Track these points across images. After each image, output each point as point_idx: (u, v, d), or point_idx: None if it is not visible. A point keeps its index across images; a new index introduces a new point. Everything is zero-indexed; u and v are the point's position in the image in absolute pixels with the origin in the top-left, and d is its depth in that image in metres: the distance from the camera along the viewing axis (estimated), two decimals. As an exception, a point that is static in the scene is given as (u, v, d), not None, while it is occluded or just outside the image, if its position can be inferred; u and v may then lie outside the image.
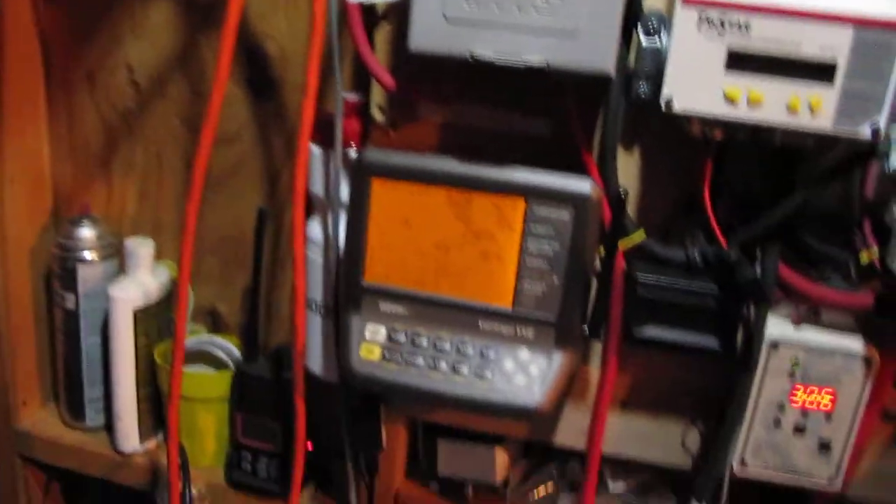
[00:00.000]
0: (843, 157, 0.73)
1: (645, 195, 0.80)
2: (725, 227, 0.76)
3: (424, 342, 0.79)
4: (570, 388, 0.86)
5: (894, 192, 0.71)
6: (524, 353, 0.78)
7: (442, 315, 0.78)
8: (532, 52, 0.70)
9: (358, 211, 0.78)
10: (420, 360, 0.78)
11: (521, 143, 0.81)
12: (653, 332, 0.77)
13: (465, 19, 0.70)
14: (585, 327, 0.77)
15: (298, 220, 0.85)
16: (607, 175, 0.76)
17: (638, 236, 0.77)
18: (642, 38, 0.72)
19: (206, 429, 1.00)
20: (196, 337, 1.04)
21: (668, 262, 0.78)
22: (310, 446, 0.97)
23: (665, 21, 0.73)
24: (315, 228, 0.89)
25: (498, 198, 0.75)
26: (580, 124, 0.78)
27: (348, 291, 0.80)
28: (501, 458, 0.92)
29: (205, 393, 0.99)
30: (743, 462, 0.80)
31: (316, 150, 0.88)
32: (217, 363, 1.03)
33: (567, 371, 0.78)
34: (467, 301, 0.77)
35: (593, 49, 0.69)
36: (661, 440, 0.86)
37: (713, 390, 0.83)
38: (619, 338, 0.80)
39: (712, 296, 0.76)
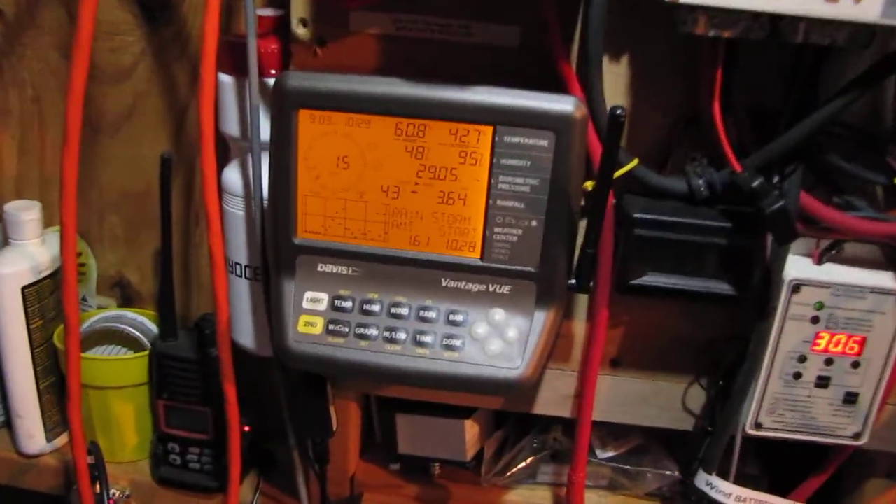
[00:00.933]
0: (877, 59, 0.57)
1: (636, 115, 0.62)
2: (736, 149, 0.61)
3: (377, 308, 0.61)
4: (553, 348, 0.70)
5: None
6: (499, 314, 0.60)
7: (396, 274, 0.60)
8: None
9: (282, 152, 0.59)
10: (373, 332, 0.60)
11: (482, 57, 0.62)
12: (652, 278, 0.61)
13: None
14: (572, 279, 0.62)
15: (208, 168, 0.66)
16: (592, 90, 0.58)
17: (631, 165, 0.61)
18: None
19: (124, 420, 0.81)
20: (102, 313, 0.84)
21: (668, 195, 0.61)
22: (248, 428, 0.80)
23: None
24: (233, 176, 0.70)
25: (459, 126, 0.57)
26: (554, 26, 0.60)
27: (278, 252, 0.62)
28: (472, 431, 0.75)
29: (118, 379, 0.79)
30: (757, 423, 0.66)
31: (226, 80, 0.68)
32: (132, 343, 0.83)
33: (551, 332, 0.61)
34: (427, 255, 0.60)
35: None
36: (659, 402, 0.71)
37: (719, 343, 0.67)
38: (609, 287, 0.65)
39: (723, 231, 0.59)
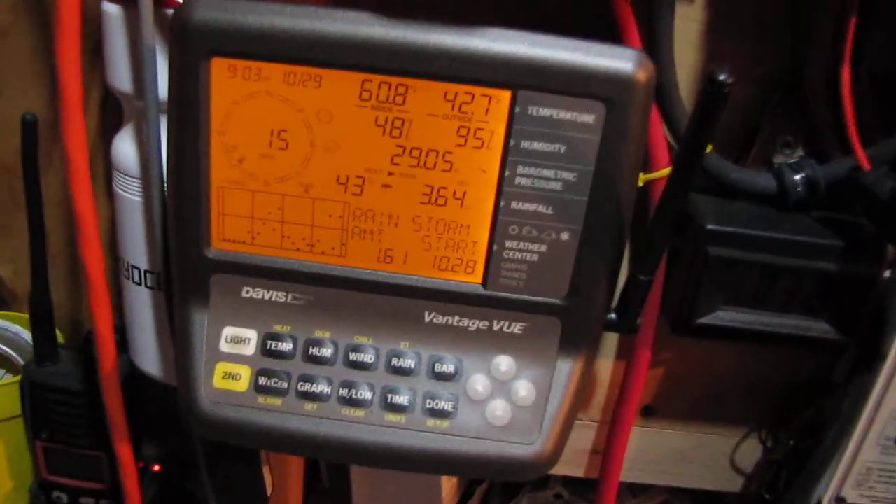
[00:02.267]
0: None
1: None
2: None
3: (329, 353, 0.38)
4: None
5: None
6: (506, 364, 0.38)
7: (358, 304, 0.38)
8: None
9: (185, 122, 0.35)
10: (323, 389, 0.38)
11: None
12: (727, 315, 0.39)
13: None
14: (611, 313, 0.41)
15: (72, 144, 0.42)
16: (660, 41, 0.37)
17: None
18: None
19: (-8, 462, 0.59)
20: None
21: (750, 195, 0.40)
22: (157, 468, 0.59)
23: None
24: (125, 148, 0.45)
25: (458, 88, 0.34)
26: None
27: (183, 269, 0.38)
28: (448, 484, 0.55)
29: (-22, 413, 0.56)
30: (839, 497, 0.46)
31: (112, 10, 0.43)
32: (2, 362, 0.58)
33: (579, 388, 0.39)
34: (403, 277, 0.38)
35: None
36: (700, 458, 0.50)
37: (787, 390, 0.48)
38: (655, 324, 0.44)
39: (830, 251, 0.39)
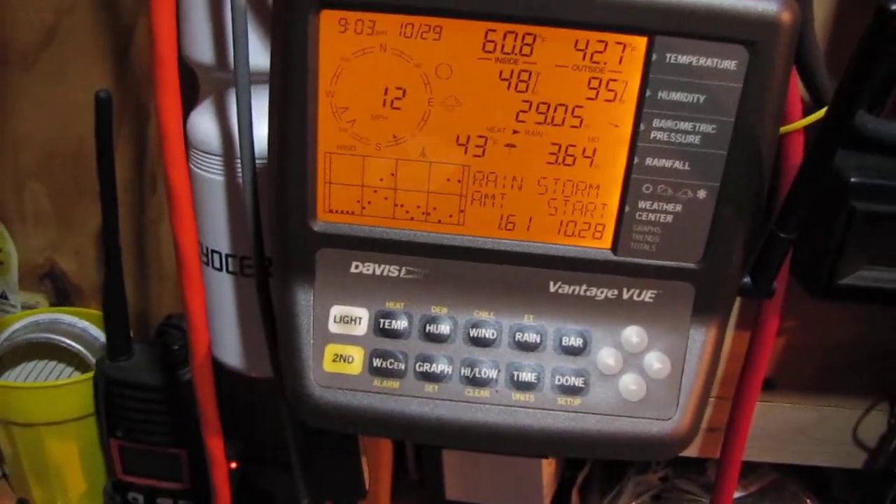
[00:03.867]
0: None
1: (844, 15, 0.38)
2: None
3: (448, 331, 0.36)
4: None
5: None
6: (638, 335, 0.35)
7: (479, 277, 0.35)
8: None
9: (291, 82, 0.32)
10: (444, 369, 0.35)
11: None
12: (873, 274, 0.36)
13: None
14: (745, 277, 0.39)
15: (168, 113, 0.39)
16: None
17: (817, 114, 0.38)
18: None
19: (65, 464, 0.54)
20: (28, 317, 0.56)
21: (891, 148, 0.36)
22: (234, 465, 0.56)
23: None
24: (204, 125, 0.43)
25: (589, 36, 0.31)
26: None
27: (286, 245, 0.35)
28: (549, 470, 0.52)
29: (53, 412, 0.52)
30: None
31: (194, -22, 0.43)
32: (71, 358, 0.56)
33: (715, 357, 0.36)
34: (527, 245, 0.35)
35: None
36: (821, 434, 0.47)
37: None
38: (786, 287, 0.42)
39: None
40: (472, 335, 0.36)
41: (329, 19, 0.33)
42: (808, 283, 0.39)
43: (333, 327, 0.37)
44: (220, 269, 0.47)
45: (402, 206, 0.36)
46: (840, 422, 0.47)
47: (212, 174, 0.45)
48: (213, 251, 0.47)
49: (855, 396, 0.47)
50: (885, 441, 0.47)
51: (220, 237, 0.46)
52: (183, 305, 0.44)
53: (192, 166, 0.46)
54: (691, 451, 0.49)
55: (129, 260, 0.55)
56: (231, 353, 0.49)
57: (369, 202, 0.36)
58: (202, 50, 0.43)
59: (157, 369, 0.52)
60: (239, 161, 0.42)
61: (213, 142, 0.44)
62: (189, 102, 0.46)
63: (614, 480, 0.53)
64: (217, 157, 0.44)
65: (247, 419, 0.55)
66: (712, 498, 0.47)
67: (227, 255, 0.47)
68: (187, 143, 0.45)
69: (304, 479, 0.47)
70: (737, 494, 0.53)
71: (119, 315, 0.51)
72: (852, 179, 0.35)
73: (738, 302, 0.44)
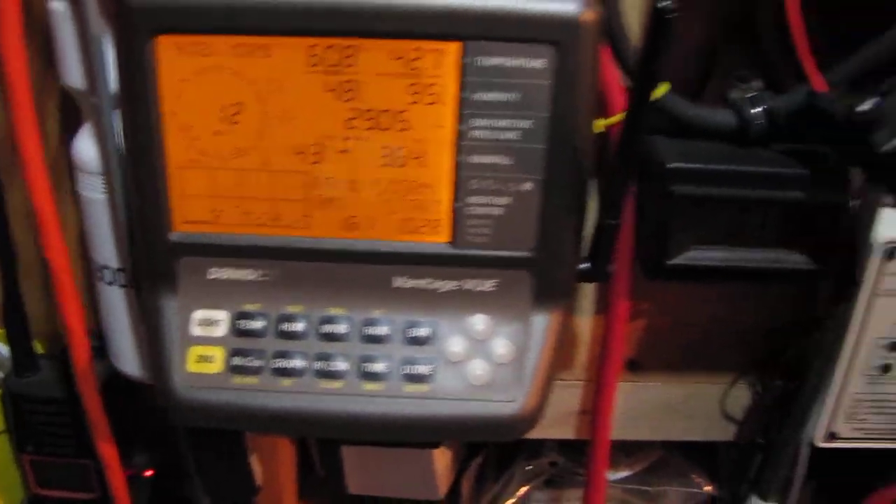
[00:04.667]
0: None
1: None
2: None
3: (302, 328, 0.38)
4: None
5: None
6: (482, 322, 0.38)
7: (327, 275, 0.38)
8: None
9: (136, 105, 0.35)
10: (299, 363, 0.37)
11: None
12: (699, 253, 0.39)
13: None
14: (583, 263, 0.41)
15: (27, 137, 0.41)
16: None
17: (661, 90, 0.40)
18: None
19: (-21, 481, 0.58)
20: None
21: (710, 132, 0.39)
22: (150, 472, 0.58)
23: None
24: (85, 148, 0.44)
25: (406, 45, 0.34)
26: None
27: (147, 256, 0.38)
28: (443, 461, 0.53)
29: (-36, 431, 0.56)
30: (831, 433, 0.46)
31: (59, 6, 0.43)
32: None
33: (557, 341, 0.39)
34: (370, 243, 0.37)
35: None
36: (690, 409, 0.49)
37: (775, 332, 0.48)
38: (630, 271, 0.44)
39: (796, 181, 0.37)
40: (324, 331, 0.38)
41: (165, 44, 0.35)
42: (642, 265, 0.41)
43: (196, 330, 0.39)
44: (112, 284, 0.49)
45: (250, 213, 0.38)
46: (707, 397, 0.50)
47: (95, 194, 0.46)
48: (104, 267, 0.49)
49: (719, 372, 0.49)
50: (751, 413, 0.50)
51: (108, 253, 0.48)
52: (61, 321, 0.46)
53: (79, 189, 0.48)
54: (568, 434, 0.51)
55: (37, 281, 0.57)
56: (129, 363, 0.51)
57: (221, 211, 0.38)
58: (74, 76, 0.44)
59: (62, 383, 0.53)
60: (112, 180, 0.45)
61: (93, 163, 0.46)
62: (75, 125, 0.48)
63: (505, 469, 0.55)
64: (98, 177, 0.46)
65: (161, 428, 0.57)
66: (586, 477, 0.49)
67: (116, 270, 0.48)
68: (74, 166, 0.48)
69: (202, 481, 0.49)
70: (624, 473, 0.55)
71: (20, 332, 0.52)
72: (669, 165, 0.38)
73: (597, 286, 0.47)
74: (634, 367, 0.48)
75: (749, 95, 0.38)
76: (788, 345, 0.45)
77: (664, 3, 0.30)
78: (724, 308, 0.47)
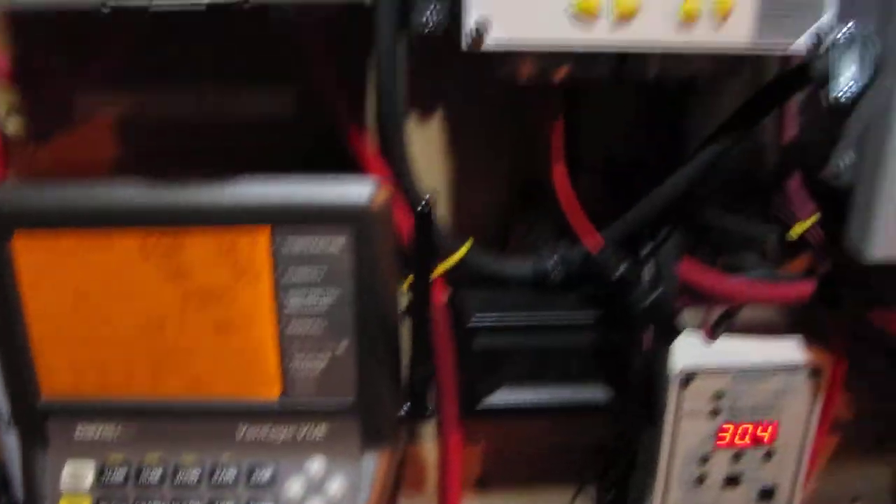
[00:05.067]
0: (754, 91, 0.40)
1: (463, 185, 0.46)
2: (592, 216, 0.45)
3: (157, 476, 0.42)
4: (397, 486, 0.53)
5: (840, 132, 0.41)
6: (317, 465, 0.42)
7: (179, 429, 0.42)
8: None
9: (2, 294, 0.41)
10: (155, 508, 0.45)
11: (253, 132, 0.44)
12: (506, 395, 0.43)
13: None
14: (405, 407, 0.45)
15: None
16: (395, 165, 0.41)
17: (462, 251, 0.45)
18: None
19: None
20: None
21: (513, 282, 0.44)
22: None
23: None
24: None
25: (223, 233, 0.40)
26: (336, 89, 0.41)
27: (22, 419, 0.43)
28: None
29: None
30: None
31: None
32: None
33: (387, 477, 0.43)
34: (212, 400, 0.42)
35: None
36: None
37: (604, 448, 0.51)
38: (455, 407, 0.48)
39: (585, 326, 0.43)
40: (178, 479, 0.43)
41: (21, 240, 0.40)
42: (459, 405, 0.45)
43: (65, 483, 0.44)
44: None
45: (108, 379, 0.43)
46: (555, 505, 0.54)
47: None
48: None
49: (558, 488, 0.53)
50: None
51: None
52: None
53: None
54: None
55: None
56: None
57: (82, 379, 0.43)
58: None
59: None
60: None
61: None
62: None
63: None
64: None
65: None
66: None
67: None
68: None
69: None
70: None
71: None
72: (469, 325, 0.42)
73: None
74: (483, 485, 0.53)
75: (545, 247, 0.44)
76: (617, 462, 0.50)
77: (423, 203, 0.35)
78: (560, 429, 0.51)
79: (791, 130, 0.43)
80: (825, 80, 0.38)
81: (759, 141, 0.45)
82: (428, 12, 0.37)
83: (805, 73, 0.38)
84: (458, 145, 0.44)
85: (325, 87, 0.41)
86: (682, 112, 0.43)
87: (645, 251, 0.42)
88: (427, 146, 0.44)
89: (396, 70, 0.39)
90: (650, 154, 0.43)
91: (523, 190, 0.45)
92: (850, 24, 0.38)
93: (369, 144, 0.42)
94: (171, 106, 0.43)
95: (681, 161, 0.41)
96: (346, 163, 0.42)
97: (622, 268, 0.39)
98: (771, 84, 0.40)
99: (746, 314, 0.47)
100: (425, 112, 0.43)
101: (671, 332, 0.41)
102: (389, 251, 0.41)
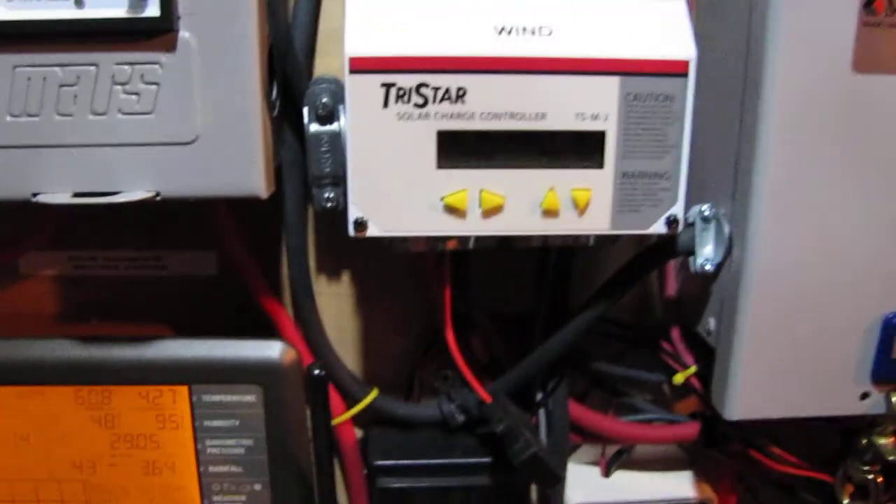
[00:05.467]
0: (633, 256, 0.45)
1: (371, 337, 0.50)
2: (487, 362, 0.49)
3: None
4: None
5: (704, 295, 0.45)
6: None
7: (110, 560, 0.48)
8: (132, 181, 0.39)
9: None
10: None
11: (180, 291, 0.49)
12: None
13: (19, 134, 0.37)
14: None
15: None
16: (308, 324, 0.46)
17: (369, 398, 0.49)
18: (312, 122, 0.41)
19: None
20: None
21: (420, 425, 0.48)
22: None
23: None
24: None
25: (149, 388, 0.44)
26: (246, 258, 0.46)
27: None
28: None
29: None
30: None
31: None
32: None
33: None
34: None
35: (227, 161, 0.38)
36: None
37: None
38: None
39: (484, 468, 0.47)
40: None
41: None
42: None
43: None
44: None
45: (45, 511, 0.47)
46: None
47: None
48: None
49: None
50: None
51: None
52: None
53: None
54: None
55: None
56: None
57: (22, 509, 0.47)
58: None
59: None
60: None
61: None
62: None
63: None
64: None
65: None
66: None
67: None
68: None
69: None
70: None
71: None
72: (375, 463, 0.46)
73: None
74: None
75: (448, 392, 0.47)
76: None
77: (316, 370, 0.39)
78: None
79: (671, 287, 0.47)
80: (690, 251, 0.43)
81: (648, 292, 0.50)
82: (326, 196, 0.42)
83: (673, 245, 0.43)
84: (366, 301, 0.49)
85: (236, 256, 0.46)
86: (567, 272, 0.47)
87: (538, 398, 0.47)
88: (337, 301, 0.49)
89: (302, 242, 0.44)
90: (540, 309, 0.47)
91: (428, 340, 0.49)
92: (707, 204, 0.43)
93: (282, 307, 0.47)
94: (107, 263, 0.48)
95: (568, 317, 0.46)
96: (262, 321, 0.47)
97: (502, 426, 0.43)
98: (643, 253, 0.44)
99: (643, 449, 0.51)
100: (334, 272, 0.48)
101: (551, 480, 0.44)
102: (298, 403, 0.45)
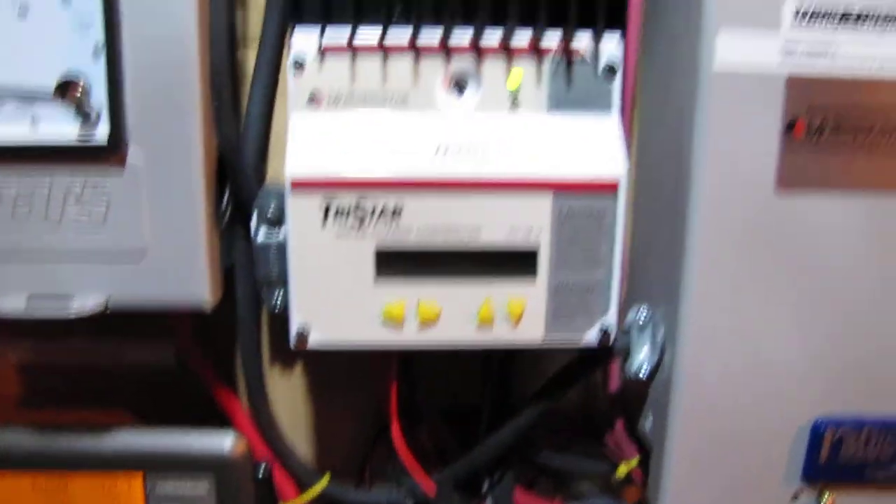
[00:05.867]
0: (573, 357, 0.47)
1: (323, 423, 0.52)
2: (437, 452, 0.50)
3: None
4: None
5: (643, 394, 0.46)
6: None
7: None
8: (82, 290, 0.41)
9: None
10: None
11: (138, 381, 0.50)
12: None
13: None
14: None
15: None
16: (258, 418, 0.47)
17: (320, 485, 0.50)
18: (259, 230, 0.42)
19: None
20: None
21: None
22: None
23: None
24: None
25: (104, 475, 0.45)
26: (199, 356, 0.48)
27: None
28: None
29: None
30: None
31: None
32: None
33: None
34: None
35: (173, 274, 0.40)
36: None
37: None
38: None
39: None
40: None
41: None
42: None
43: None
44: None
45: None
46: None
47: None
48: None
49: None
50: None
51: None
52: None
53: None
54: None
55: None
56: None
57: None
58: None
59: None
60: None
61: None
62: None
63: None
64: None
65: None
66: None
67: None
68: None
69: None
70: None
71: None
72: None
73: None
74: None
75: (398, 478, 0.49)
76: None
77: (262, 468, 0.41)
78: None
79: (614, 383, 0.49)
80: (626, 355, 0.45)
81: (594, 383, 0.51)
82: (275, 298, 0.44)
83: (609, 351, 0.44)
84: (318, 391, 0.51)
85: (191, 353, 0.48)
86: (510, 368, 0.49)
87: (484, 488, 0.48)
88: (290, 392, 0.51)
89: (254, 342, 0.46)
90: (485, 404, 0.48)
91: (379, 426, 0.50)
92: (643, 308, 0.44)
93: (236, 398, 0.48)
94: (67, 352, 0.50)
95: (511, 412, 0.47)
96: (216, 411, 0.48)
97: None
98: (581, 357, 0.45)
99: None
100: (288, 363, 0.50)
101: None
102: (249, 493, 0.47)
